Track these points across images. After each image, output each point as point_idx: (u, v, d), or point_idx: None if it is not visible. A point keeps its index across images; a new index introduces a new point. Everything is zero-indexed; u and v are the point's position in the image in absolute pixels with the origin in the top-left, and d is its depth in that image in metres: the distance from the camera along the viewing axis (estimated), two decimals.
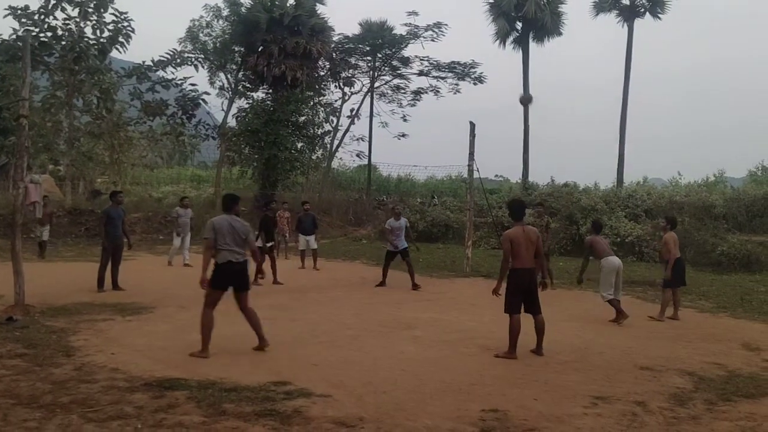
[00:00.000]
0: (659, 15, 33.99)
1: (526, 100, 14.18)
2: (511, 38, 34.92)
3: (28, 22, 21.09)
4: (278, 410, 4.92)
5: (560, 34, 34.70)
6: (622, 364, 6.93)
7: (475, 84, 33.77)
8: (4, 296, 9.26)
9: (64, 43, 21.90)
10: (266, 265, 12.42)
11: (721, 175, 38.27)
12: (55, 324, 7.92)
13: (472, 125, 15.64)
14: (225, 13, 30.19)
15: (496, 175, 45.19)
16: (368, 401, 5.31)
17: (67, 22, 21.74)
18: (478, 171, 15.76)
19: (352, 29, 35.16)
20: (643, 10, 34.14)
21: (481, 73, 33.27)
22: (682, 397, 5.75)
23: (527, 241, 7.15)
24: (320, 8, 29.37)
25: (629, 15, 33.93)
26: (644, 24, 35.08)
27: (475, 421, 4.89)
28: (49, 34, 21.53)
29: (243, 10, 28.53)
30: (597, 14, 35.05)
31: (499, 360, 6.99)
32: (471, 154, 15.57)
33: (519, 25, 34.68)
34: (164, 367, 6.13)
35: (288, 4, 28.12)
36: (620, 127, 33.33)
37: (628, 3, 34.08)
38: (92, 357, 6.41)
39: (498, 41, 34.88)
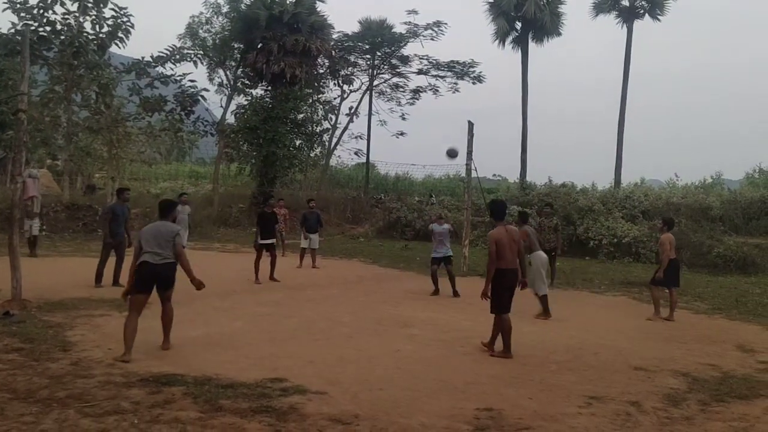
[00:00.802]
0: (658, 17, 34.08)
1: (452, 153, 14.26)
2: (510, 38, 34.95)
3: (27, 16, 20.99)
4: (274, 407, 4.94)
5: (560, 34, 34.76)
6: (616, 364, 6.97)
7: (474, 83, 33.75)
8: (1, 291, 9.27)
9: (63, 37, 21.81)
10: (263, 262, 12.45)
11: (719, 177, 38.36)
12: (52, 319, 7.92)
13: (471, 124, 15.66)
14: (225, 9, 30.14)
15: (494, 175, 45.17)
16: (363, 399, 5.33)
17: (66, 16, 21.64)
18: (476, 170, 15.79)
19: (352, 27, 35.17)
20: (642, 11, 34.21)
21: (480, 72, 33.28)
22: (676, 397, 5.79)
23: (511, 241, 7.25)
24: (320, 6, 29.41)
25: (628, 16, 34.00)
26: (643, 25, 35.11)
27: (470, 420, 4.92)
28: (48, 28, 21.42)
29: (243, 6, 28.50)
30: (596, 15, 35.12)
31: (494, 359, 7.02)
32: (469, 153, 15.59)
33: (518, 25, 34.71)
34: (160, 362, 6.15)
35: (288, 2, 28.09)
36: (618, 128, 33.40)
37: (627, 4, 34.14)
38: (89, 352, 6.43)
39: (497, 41, 34.92)
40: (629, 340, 8.29)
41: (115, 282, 11.03)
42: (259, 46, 27.62)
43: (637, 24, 34.16)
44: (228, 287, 11.47)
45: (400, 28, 32.13)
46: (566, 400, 5.55)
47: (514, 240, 7.28)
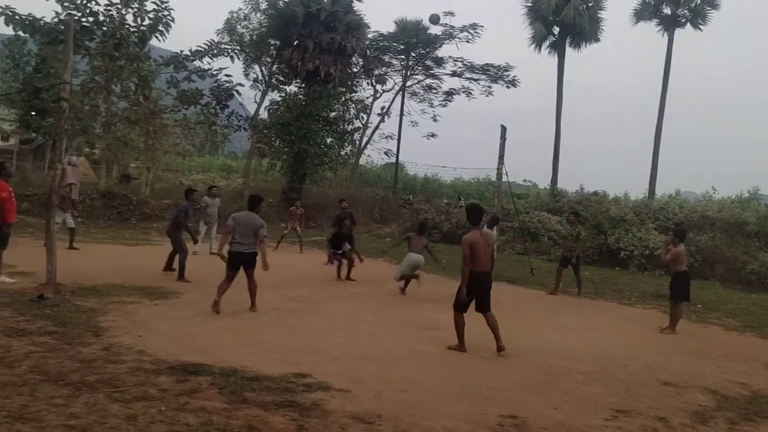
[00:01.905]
0: (700, 26, 33.39)
1: (434, 19, 14.26)
2: (547, 42, 34.61)
3: (71, 6, 21.51)
4: (298, 402, 4.98)
5: (598, 40, 34.28)
6: (645, 378, 6.85)
7: (508, 87, 33.50)
8: (36, 274, 9.52)
9: (105, 28, 22.30)
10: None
11: (756, 191, 37.34)
12: (84, 304, 8.11)
13: (504, 128, 15.55)
14: (263, 6, 30.44)
15: (525, 180, 44.76)
16: (386, 398, 5.33)
17: (109, 8, 22.12)
18: (506, 174, 15.67)
19: (388, 27, 35.21)
20: (684, 20, 33.57)
21: (515, 76, 33.02)
22: (704, 414, 5.67)
23: (485, 245, 7.46)
24: (357, 5, 29.47)
25: (670, 25, 33.38)
26: (684, 33, 34.41)
27: (494, 426, 4.88)
28: (90, 19, 21.92)
29: (281, 3, 28.73)
30: (637, 22, 34.58)
31: (518, 366, 6.96)
32: (501, 157, 15.49)
33: (556, 29, 34.34)
34: (188, 351, 6.24)
35: (325, 0, 28.24)
36: (655, 137, 32.84)
37: (669, 13, 33.52)
38: (120, 338, 6.56)
39: (534, 45, 34.60)
40: (658, 354, 8.14)
41: (169, 268, 11.45)
42: (295, 44, 27.82)
43: (678, 32, 33.56)
44: (257, 280, 11.58)
45: (435, 30, 32.08)
46: (592, 412, 5.47)
47: (489, 244, 7.59)
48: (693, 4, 33.16)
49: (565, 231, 13.50)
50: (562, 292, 13.36)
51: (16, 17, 20.89)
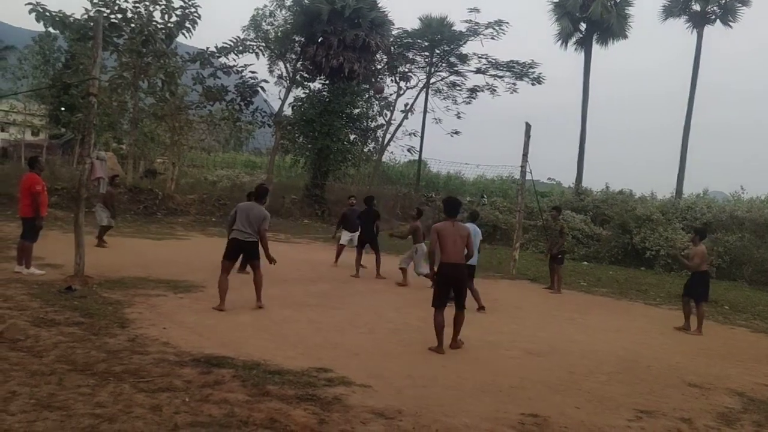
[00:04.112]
0: (730, 23, 32.69)
1: (378, 89, 14.46)
2: (573, 39, 34.23)
3: (100, 2, 21.88)
4: (319, 396, 5.01)
5: (626, 37, 33.78)
6: (669, 379, 6.75)
7: (533, 84, 33.19)
8: (64, 266, 9.71)
9: (133, 25, 22.62)
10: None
11: None
12: (111, 296, 8.25)
13: (528, 126, 15.41)
14: (288, 2, 30.59)
15: (549, 179, 44.32)
16: (407, 394, 5.34)
17: (137, 5, 22.45)
18: (530, 173, 15.53)
19: (412, 23, 35.14)
20: (713, 17, 32.90)
21: (540, 73, 32.70)
22: (730, 417, 5.58)
23: (455, 235, 7.20)
24: (381, 1, 29.52)
25: (699, 22, 32.75)
26: (714, 30, 33.74)
27: (515, 424, 4.85)
28: (119, 16, 22.27)
29: (305, 0, 28.87)
30: (666, 19, 34.00)
31: (540, 365, 6.91)
32: (525, 155, 15.35)
33: (583, 26, 33.93)
34: (212, 344, 6.32)
35: None
36: (683, 135, 32.27)
37: (698, 9, 32.90)
38: (145, 330, 6.67)
39: (560, 42, 34.24)
40: (684, 356, 8.02)
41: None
42: (319, 40, 27.92)
43: (708, 30, 32.91)
44: (279, 275, 11.68)
45: (460, 26, 31.94)
46: (615, 413, 5.40)
47: (461, 236, 7.24)
48: (723, 1, 32.49)
49: (549, 225, 13.63)
50: (577, 290, 13.25)
51: (47, 14, 21.32)
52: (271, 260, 8.47)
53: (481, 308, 10.01)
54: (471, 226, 9.31)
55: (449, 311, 7.29)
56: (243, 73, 25.65)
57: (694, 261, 10.03)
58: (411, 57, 33.69)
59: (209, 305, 8.35)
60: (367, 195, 11.82)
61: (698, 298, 9.94)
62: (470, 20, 31.09)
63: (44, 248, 10.49)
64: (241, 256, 9.06)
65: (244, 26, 31.81)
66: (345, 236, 14.33)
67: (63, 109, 36.29)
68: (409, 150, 34.82)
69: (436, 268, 7.34)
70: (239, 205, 8.76)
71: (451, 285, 7.29)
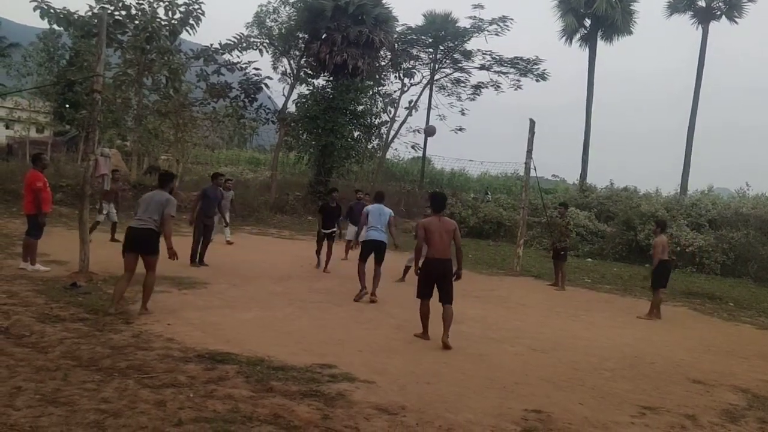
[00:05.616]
0: (735, 18, 32.56)
1: (429, 132, 14.83)
2: (578, 35, 34.14)
3: (104, 0, 21.92)
4: (323, 392, 5.02)
5: (630, 32, 33.73)
6: (673, 375, 6.74)
7: (537, 81, 33.08)
8: (69, 263, 9.75)
9: (137, 22, 22.65)
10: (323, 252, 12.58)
11: None
12: None
13: (532, 122, 15.37)
14: None
15: (553, 175, 44.33)
16: (411, 391, 5.34)
17: (141, 2, 22.48)
18: (535, 169, 15.50)
19: (416, 20, 34.95)
20: (719, 12, 32.77)
21: (545, 69, 32.59)
22: (734, 413, 5.57)
23: (441, 230, 7.24)
24: None
25: (704, 17, 32.65)
26: (719, 27, 33.63)
27: (518, 420, 4.85)
28: (123, 12, 22.31)
29: None
30: (671, 14, 33.91)
31: (544, 361, 6.91)
32: (529, 152, 15.32)
33: (588, 22, 33.82)
34: (216, 340, 6.33)
35: None
36: (688, 132, 32.21)
37: (703, 5, 32.76)
38: (150, 326, 6.69)
39: (564, 38, 34.16)
40: (688, 352, 8.01)
41: (200, 262, 11.63)
42: (323, 37, 27.88)
43: (713, 26, 32.79)
44: (283, 272, 11.72)
45: (464, 23, 31.85)
46: (619, 409, 5.40)
47: (447, 231, 7.28)
48: None
49: (556, 221, 13.79)
50: (581, 287, 13.24)
51: (51, 11, 21.35)
52: (173, 255, 7.25)
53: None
54: (377, 207, 9.76)
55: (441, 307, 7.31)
56: (247, 70, 25.69)
57: (656, 250, 10.46)
58: (415, 53, 33.59)
59: (213, 302, 8.38)
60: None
61: (658, 284, 10.45)
62: (474, 16, 31.04)
63: (49, 245, 10.52)
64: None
65: (248, 23, 31.70)
66: (351, 230, 14.08)
67: (67, 106, 36.39)
68: (413, 147, 34.77)
69: (421, 264, 7.40)
70: (144, 196, 7.58)
71: (435, 281, 7.31)
